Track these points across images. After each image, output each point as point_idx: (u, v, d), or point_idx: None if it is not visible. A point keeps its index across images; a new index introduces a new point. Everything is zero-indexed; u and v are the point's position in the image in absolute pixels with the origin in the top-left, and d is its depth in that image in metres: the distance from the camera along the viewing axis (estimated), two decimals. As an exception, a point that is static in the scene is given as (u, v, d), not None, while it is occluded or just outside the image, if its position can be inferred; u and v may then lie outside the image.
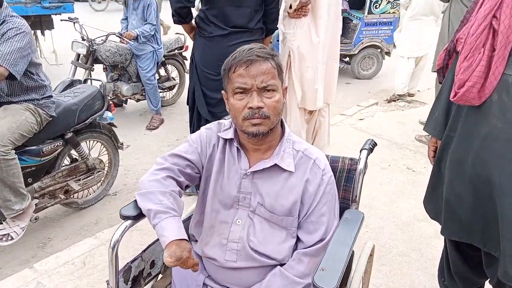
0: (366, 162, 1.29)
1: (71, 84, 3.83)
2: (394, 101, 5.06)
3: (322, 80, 2.70)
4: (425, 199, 1.68)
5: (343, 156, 1.35)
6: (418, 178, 3.21)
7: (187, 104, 2.92)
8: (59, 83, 3.76)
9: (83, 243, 2.40)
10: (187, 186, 1.29)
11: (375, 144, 1.35)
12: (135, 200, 1.20)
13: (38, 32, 5.74)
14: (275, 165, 1.20)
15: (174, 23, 2.66)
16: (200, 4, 2.72)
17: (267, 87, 1.14)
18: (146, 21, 4.14)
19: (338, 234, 1.09)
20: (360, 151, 1.33)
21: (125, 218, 1.18)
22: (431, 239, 2.45)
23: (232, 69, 1.16)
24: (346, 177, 1.33)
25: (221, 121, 1.35)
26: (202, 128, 1.34)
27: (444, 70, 1.62)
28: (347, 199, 1.34)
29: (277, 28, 2.74)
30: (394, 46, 6.25)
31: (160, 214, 1.11)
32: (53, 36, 5.92)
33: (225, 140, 1.28)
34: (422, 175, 3.23)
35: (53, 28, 5.75)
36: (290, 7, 2.51)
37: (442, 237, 2.38)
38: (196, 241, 1.36)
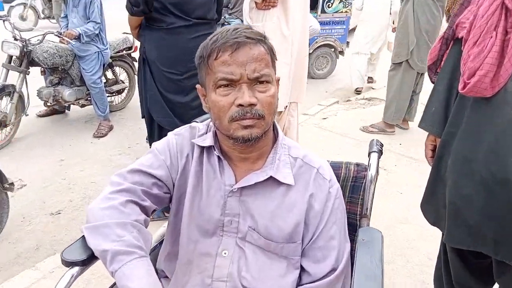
0: (377, 167, 1.08)
1: (2, 89, 3.37)
2: (359, 95, 5.11)
3: (292, 77, 2.50)
4: (423, 203, 1.51)
5: (346, 161, 1.13)
6: (390, 177, 3.09)
7: (142, 117, 2.52)
8: (-14, 89, 3.30)
9: (20, 277, 1.99)
10: (153, 211, 1.01)
11: (382, 145, 1.14)
12: (83, 236, 0.89)
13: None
14: (270, 177, 0.95)
15: (133, 14, 2.24)
16: None
17: (260, 78, 0.89)
18: (89, 19, 3.73)
19: (360, 264, 0.86)
20: (369, 155, 1.11)
21: (69, 264, 0.86)
22: (415, 242, 2.32)
23: (214, 54, 0.89)
24: (352, 186, 1.11)
25: (193, 124, 1.08)
26: (170, 134, 1.06)
27: (438, 64, 1.47)
28: (353, 213, 1.12)
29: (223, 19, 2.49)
30: (348, 45, 6.28)
31: (120, 256, 0.82)
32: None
33: (202, 148, 1.01)
34: (395, 174, 3.13)
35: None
36: None
37: (427, 240, 2.32)
38: (167, 277, 1.08)
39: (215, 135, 1.01)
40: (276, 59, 0.96)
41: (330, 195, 0.97)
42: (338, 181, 1.11)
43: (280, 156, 0.99)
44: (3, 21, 3.51)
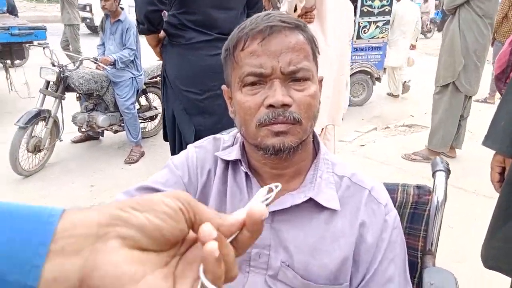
0: (446, 190, 0.87)
1: (38, 114, 3.40)
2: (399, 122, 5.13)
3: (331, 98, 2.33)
4: (485, 244, 1.27)
5: (403, 183, 0.93)
6: (439, 208, 2.80)
7: (164, 139, 2.37)
8: (24, 114, 3.33)
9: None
10: None
11: (447, 163, 0.94)
12: None
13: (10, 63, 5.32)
14: (310, 200, 0.77)
15: (141, 33, 2.10)
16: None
17: (298, 73, 0.72)
18: (125, 45, 3.78)
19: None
20: (434, 174, 0.91)
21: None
22: (477, 285, 2.02)
23: (240, 44, 0.74)
24: (411, 214, 0.90)
25: (218, 135, 0.93)
26: (190, 146, 0.91)
27: (509, 71, 1.27)
28: (413, 248, 0.91)
29: None
30: (384, 71, 6.09)
31: None
32: (25, 67, 5.49)
33: (227, 162, 0.85)
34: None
35: (25, 58, 5.33)
36: (295, 9, 2.15)
37: (492, 282, 1.99)
38: None
39: (243, 147, 0.85)
40: (319, 53, 0.80)
41: (386, 224, 0.78)
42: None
43: (322, 174, 0.81)
44: (43, 48, 3.61)
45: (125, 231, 0.33)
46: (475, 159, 3.61)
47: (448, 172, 0.90)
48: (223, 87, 0.85)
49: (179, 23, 2.04)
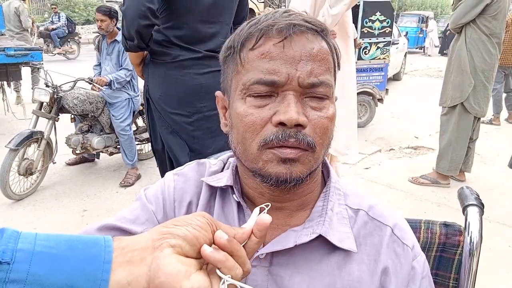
0: (481, 230, 0.72)
1: (30, 136, 3.28)
2: (404, 144, 4.71)
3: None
4: None
5: (426, 219, 0.78)
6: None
7: (157, 165, 2.20)
8: (16, 135, 3.21)
9: None
10: None
11: (478, 195, 0.79)
12: None
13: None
14: (319, 237, 0.62)
15: (128, 50, 1.85)
16: None
17: (318, 87, 0.58)
18: (121, 66, 3.69)
19: None
20: (464, 210, 0.76)
21: None
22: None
23: (251, 42, 0.60)
24: (438, 258, 0.75)
25: (202, 160, 0.77)
26: (168, 174, 0.76)
27: None
28: (441, 298, 0.75)
29: None
30: (387, 92, 6.00)
31: None
32: (20, 88, 5.42)
33: (214, 189, 0.71)
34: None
35: (21, 79, 5.25)
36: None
37: None
38: None
39: (236, 172, 0.71)
40: (339, 68, 0.65)
41: (414, 272, 0.63)
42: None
43: (333, 206, 0.66)
44: (38, 69, 3.52)
45: (174, 241, 0.44)
46: (485, 183, 3.47)
47: (482, 206, 0.75)
48: (218, 93, 0.70)
49: (164, 39, 1.86)
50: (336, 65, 0.64)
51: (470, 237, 0.72)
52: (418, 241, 0.77)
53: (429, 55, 15.60)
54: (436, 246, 0.75)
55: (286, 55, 0.57)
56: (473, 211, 0.74)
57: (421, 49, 15.69)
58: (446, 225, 0.76)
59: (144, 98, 2.06)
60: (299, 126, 0.57)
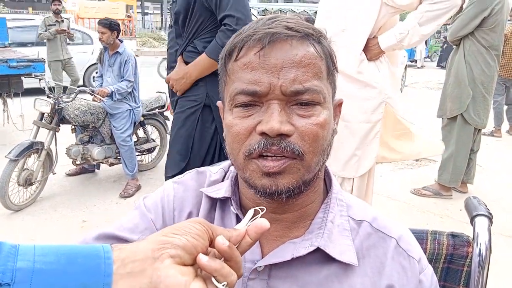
0: (490, 241, 0.70)
1: (31, 146, 3.28)
2: None
3: None
4: None
5: (433, 230, 0.77)
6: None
7: (167, 178, 2.11)
8: (15, 146, 3.21)
9: None
10: None
11: (486, 205, 0.77)
12: None
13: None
14: (317, 250, 0.61)
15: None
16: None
17: (303, 94, 0.57)
18: (123, 77, 3.71)
19: None
20: (472, 220, 0.74)
21: None
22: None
23: (234, 53, 0.60)
24: (445, 270, 0.73)
25: (202, 168, 0.76)
26: (168, 182, 0.75)
27: None
28: (449, 311, 0.74)
29: None
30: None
31: None
32: (22, 99, 5.42)
33: (214, 200, 0.69)
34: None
35: (23, 90, 5.27)
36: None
37: None
38: None
39: (235, 182, 0.70)
40: (337, 71, 0.65)
41: (422, 286, 0.61)
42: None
43: (334, 218, 0.64)
44: (39, 79, 3.54)
45: (174, 252, 0.44)
46: (487, 194, 3.45)
47: (490, 216, 0.74)
48: (219, 103, 0.70)
49: None
50: (332, 68, 0.63)
51: (479, 248, 0.70)
52: (425, 252, 0.76)
53: (422, 66, 15.69)
54: (444, 257, 0.74)
55: (267, 64, 0.57)
56: (481, 222, 0.73)
57: (414, 62, 15.78)
58: (453, 235, 0.74)
59: (195, 107, 2.04)
60: (283, 136, 0.56)
